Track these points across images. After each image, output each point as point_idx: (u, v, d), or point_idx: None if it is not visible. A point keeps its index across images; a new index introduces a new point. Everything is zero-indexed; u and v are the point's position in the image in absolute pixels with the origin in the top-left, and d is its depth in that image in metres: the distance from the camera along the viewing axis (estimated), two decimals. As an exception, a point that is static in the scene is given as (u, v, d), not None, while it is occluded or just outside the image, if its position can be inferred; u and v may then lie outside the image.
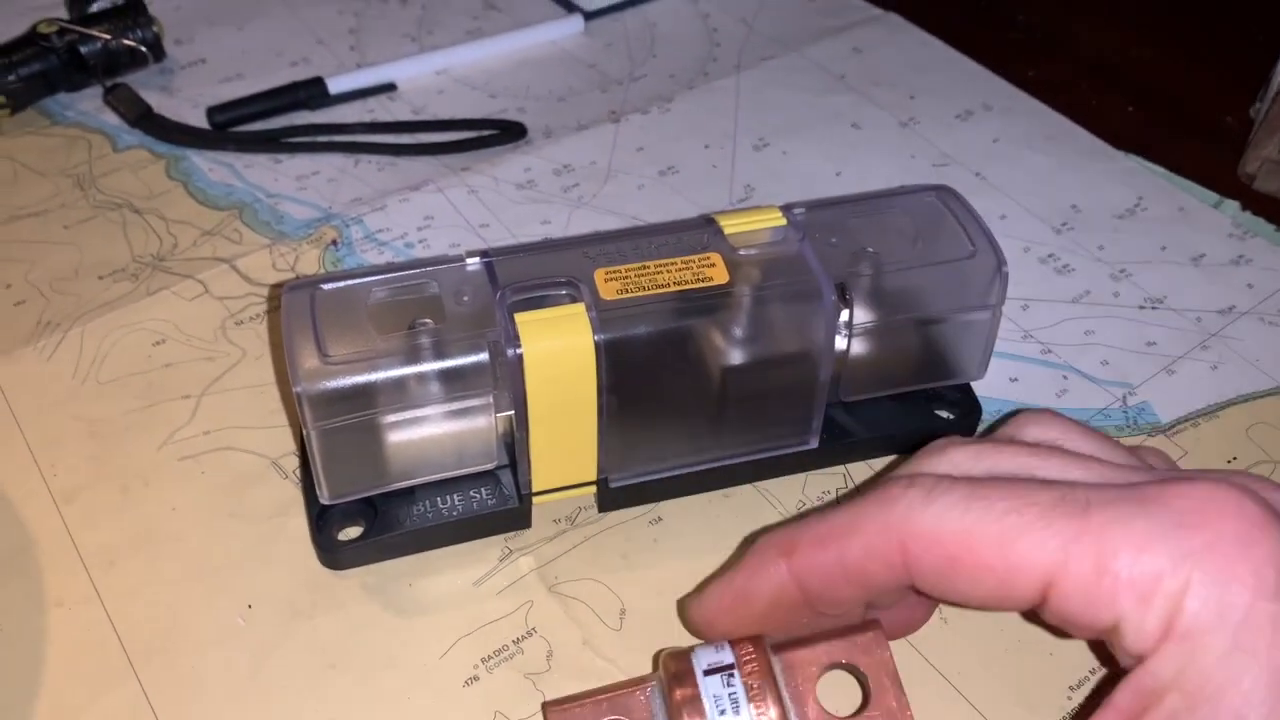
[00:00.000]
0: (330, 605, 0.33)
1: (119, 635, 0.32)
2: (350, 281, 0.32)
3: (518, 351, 0.30)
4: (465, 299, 0.31)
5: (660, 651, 0.29)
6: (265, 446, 0.37)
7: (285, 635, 0.32)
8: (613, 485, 0.34)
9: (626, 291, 0.31)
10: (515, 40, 0.55)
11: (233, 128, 0.49)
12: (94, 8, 0.51)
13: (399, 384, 0.30)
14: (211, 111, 0.50)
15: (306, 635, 0.32)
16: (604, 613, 0.33)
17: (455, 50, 0.54)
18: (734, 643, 0.28)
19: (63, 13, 0.51)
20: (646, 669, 0.31)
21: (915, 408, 0.37)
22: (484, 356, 0.30)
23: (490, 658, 0.32)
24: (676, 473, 0.34)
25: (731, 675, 0.27)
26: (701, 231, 0.33)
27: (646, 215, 0.45)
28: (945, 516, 0.25)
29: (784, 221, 0.33)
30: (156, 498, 0.35)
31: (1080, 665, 0.32)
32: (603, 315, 0.30)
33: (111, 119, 0.50)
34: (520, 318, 0.30)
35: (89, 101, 0.50)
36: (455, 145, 0.49)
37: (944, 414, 0.37)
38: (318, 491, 0.32)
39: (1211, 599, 0.22)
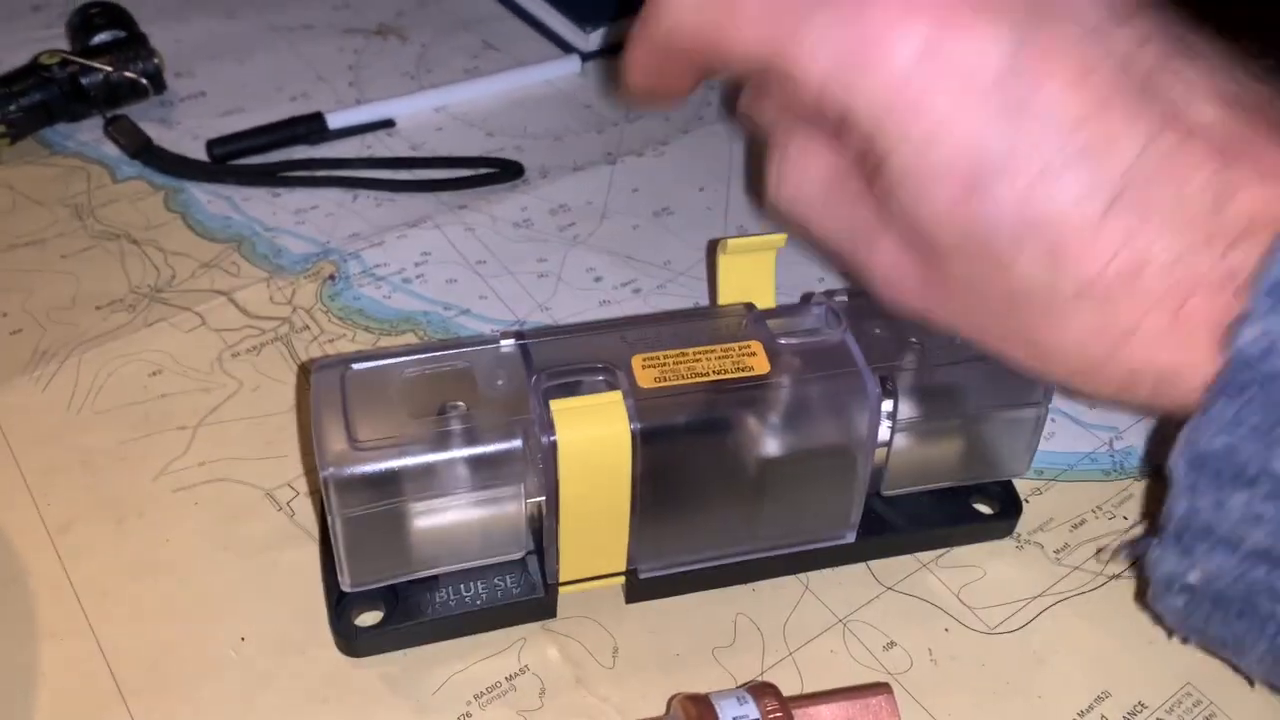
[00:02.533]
0: (323, 640, 0.33)
1: (111, 668, 0.32)
2: (382, 362, 0.31)
3: (552, 439, 0.29)
4: (500, 382, 0.31)
5: (675, 696, 0.29)
6: (261, 479, 0.37)
7: (278, 669, 0.32)
8: (642, 576, 0.33)
9: (665, 380, 0.30)
10: (513, 79, 0.55)
11: (232, 161, 0.50)
12: (96, 40, 0.51)
13: (428, 470, 0.29)
14: (211, 144, 0.50)
15: (299, 669, 0.32)
16: (597, 650, 0.33)
17: (454, 88, 0.55)
18: (756, 696, 0.28)
19: (65, 44, 0.52)
20: (640, 707, 0.31)
21: (955, 501, 0.36)
22: (517, 443, 0.29)
23: (482, 694, 0.32)
24: (708, 564, 0.33)
25: None
26: (741, 318, 0.33)
27: (642, 255, 0.46)
28: (674, 23, 0.29)
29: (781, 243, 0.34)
30: (151, 529, 0.35)
31: (1069, 707, 0.32)
32: (640, 404, 0.30)
33: (111, 150, 0.50)
34: (556, 405, 0.29)
35: (89, 132, 0.51)
36: (453, 183, 0.49)
37: (984, 508, 0.36)
38: (339, 577, 0.31)
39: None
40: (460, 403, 0.30)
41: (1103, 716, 0.32)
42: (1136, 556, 0.35)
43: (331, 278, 0.44)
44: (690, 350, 0.31)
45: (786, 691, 0.29)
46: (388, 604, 0.32)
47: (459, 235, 0.46)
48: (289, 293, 0.43)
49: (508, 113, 0.54)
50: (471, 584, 0.33)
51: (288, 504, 0.36)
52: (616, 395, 0.30)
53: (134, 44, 0.51)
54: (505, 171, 0.50)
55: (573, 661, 0.32)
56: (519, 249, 0.46)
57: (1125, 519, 0.37)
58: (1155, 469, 0.38)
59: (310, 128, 0.51)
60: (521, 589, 0.33)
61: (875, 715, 0.29)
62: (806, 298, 0.35)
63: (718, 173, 0.50)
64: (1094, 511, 0.37)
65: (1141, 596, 0.34)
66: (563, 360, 0.31)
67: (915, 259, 0.27)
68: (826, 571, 0.35)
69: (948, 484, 0.36)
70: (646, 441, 0.30)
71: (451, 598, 0.32)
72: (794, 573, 0.35)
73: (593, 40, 0.57)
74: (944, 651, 0.33)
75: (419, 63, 0.57)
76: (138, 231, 0.46)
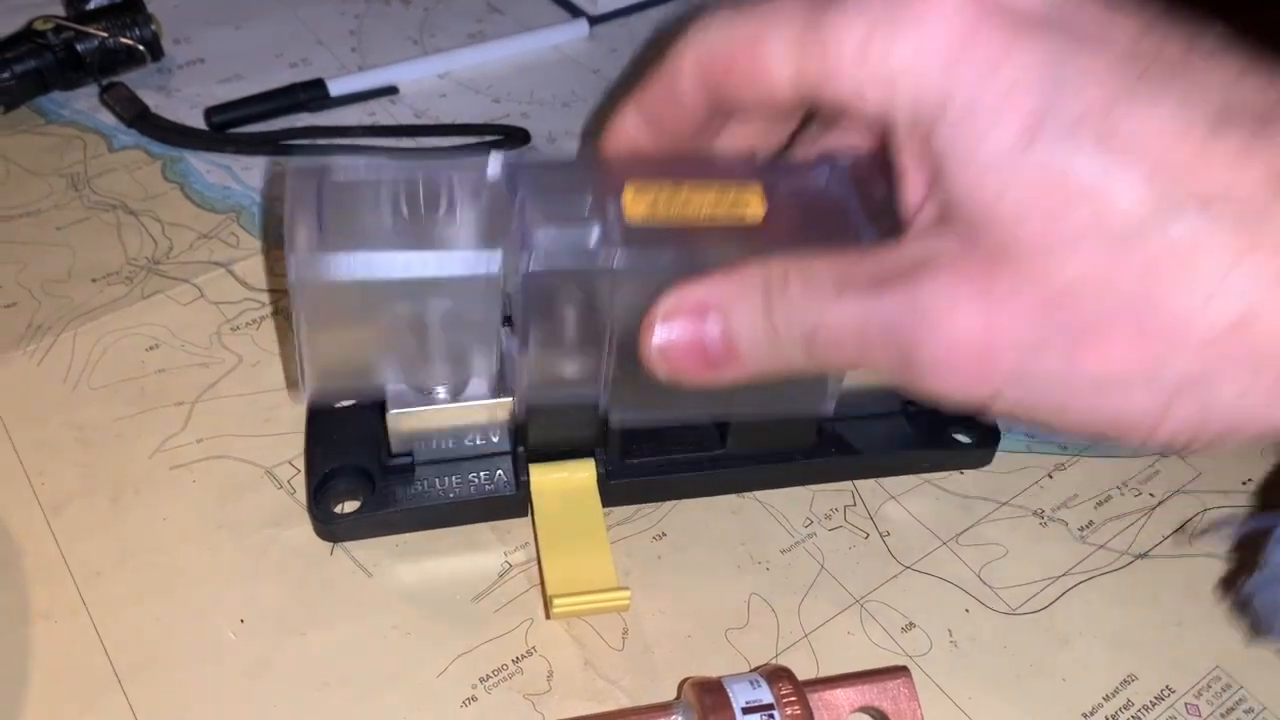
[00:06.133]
0: (324, 620, 0.32)
1: (106, 649, 0.31)
2: (361, 174, 0.29)
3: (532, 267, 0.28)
4: (482, 201, 0.29)
5: (685, 680, 0.29)
6: (260, 456, 0.36)
7: (278, 651, 0.31)
8: (613, 481, 0.34)
9: (655, 212, 0.28)
10: (519, 44, 0.54)
11: (231, 129, 0.48)
12: (91, 5, 0.50)
13: (399, 271, 0.28)
14: (210, 112, 0.49)
15: (300, 651, 0.31)
16: (606, 632, 0.32)
17: (458, 53, 0.53)
18: (770, 680, 0.27)
19: (60, 10, 0.51)
20: (650, 690, 0.30)
21: (933, 429, 0.36)
22: (497, 256, 0.28)
23: (489, 677, 0.31)
24: (684, 420, 0.34)
25: (771, 715, 0.27)
26: (749, 161, 0.31)
27: (651, 224, 0.45)
28: (708, 39, 0.27)
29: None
30: (147, 507, 0.34)
31: (1094, 690, 0.31)
32: (626, 238, 0.28)
33: (107, 118, 0.49)
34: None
35: (85, 100, 0.49)
36: (458, 150, 0.48)
37: (962, 438, 0.36)
38: (300, 389, 0.30)
39: (908, 41, 0.24)
40: (438, 213, 0.29)
41: (1129, 700, 0.31)
42: (1242, 538, 0.34)
43: (333, 248, 0.43)
44: (685, 187, 0.29)
45: (801, 675, 0.28)
46: (365, 493, 0.33)
47: (464, 204, 0.45)
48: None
49: (514, 78, 0.52)
50: (447, 478, 0.33)
51: (288, 482, 0.35)
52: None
53: (131, 9, 0.50)
54: (511, 138, 0.48)
55: (581, 643, 0.32)
56: (525, 218, 0.45)
57: (1152, 495, 0.36)
58: None
59: (311, 95, 0.50)
60: (494, 485, 0.33)
61: (893, 699, 0.29)
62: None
63: (730, 139, 0.49)
64: (1120, 488, 0.36)
65: (1230, 583, 0.33)
66: (552, 186, 0.29)
67: (974, 263, 0.24)
68: (843, 549, 0.34)
69: None
70: (627, 281, 0.28)
71: (428, 488, 0.33)
72: (770, 485, 0.35)
73: (601, 4, 0.56)
74: (964, 633, 0.32)
75: (423, 27, 0.55)
76: (135, 202, 0.45)
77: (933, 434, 0.36)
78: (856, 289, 0.25)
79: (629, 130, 0.30)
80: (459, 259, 0.28)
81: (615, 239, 0.28)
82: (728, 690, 0.27)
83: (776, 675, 0.28)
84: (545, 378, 0.31)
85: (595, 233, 0.28)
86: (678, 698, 0.29)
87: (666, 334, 0.27)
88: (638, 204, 0.28)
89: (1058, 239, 0.22)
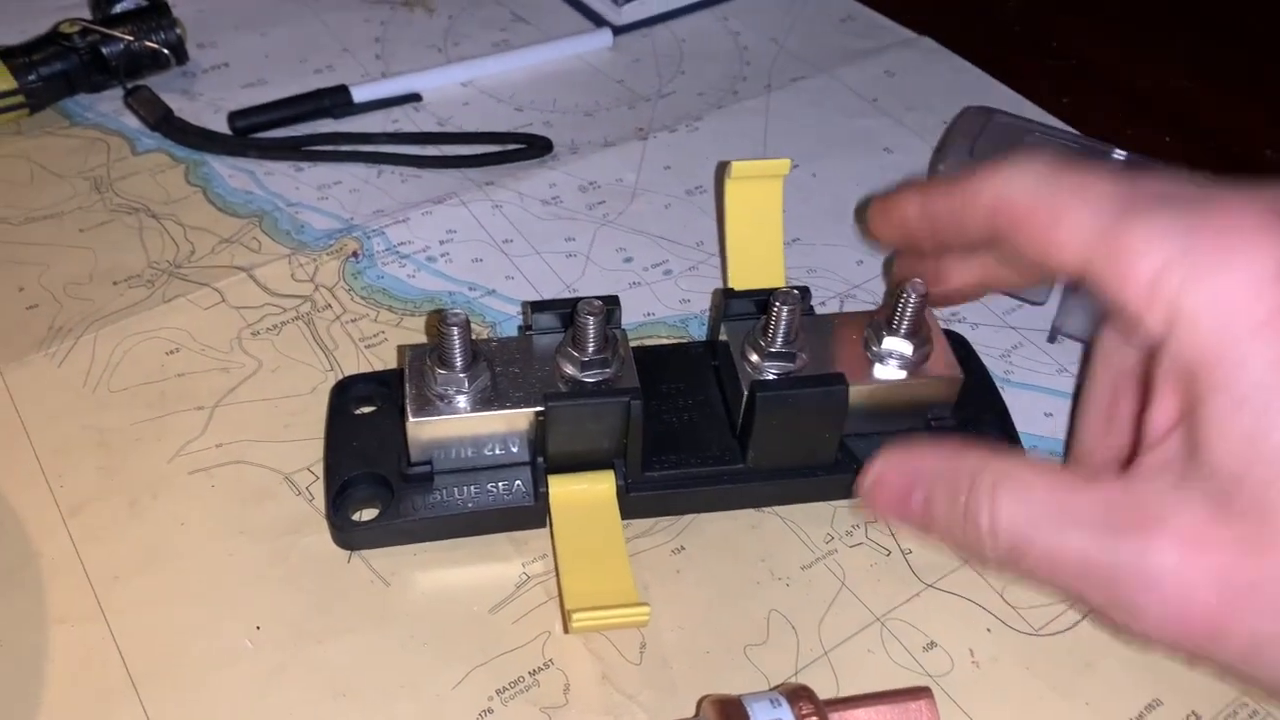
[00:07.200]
0: (341, 629, 0.32)
1: (122, 654, 0.31)
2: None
3: None
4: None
5: (704, 697, 0.28)
6: (278, 461, 0.36)
7: (293, 659, 0.31)
8: (632, 494, 0.34)
9: None
10: (543, 53, 0.54)
11: (254, 134, 0.49)
12: (117, 8, 0.50)
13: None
14: (233, 116, 0.49)
15: (316, 660, 0.31)
16: (624, 646, 0.32)
17: (482, 62, 0.53)
18: (790, 699, 0.27)
19: (86, 13, 0.51)
20: (668, 706, 0.30)
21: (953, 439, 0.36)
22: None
23: (505, 689, 0.30)
24: (702, 470, 0.34)
25: None
26: None
27: (673, 235, 0.44)
28: (1021, 185, 0.28)
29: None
30: (165, 512, 0.34)
31: (1118, 715, 0.31)
32: None
33: (131, 121, 0.49)
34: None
35: (109, 103, 0.50)
36: (480, 159, 0.48)
37: None
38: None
39: (1210, 285, 0.24)
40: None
41: (1154, 725, 0.30)
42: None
43: (355, 255, 0.43)
44: None
45: (821, 693, 0.28)
46: (383, 502, 0.33)
47: (485, 212, 0.45)
48: (311, 270, 0.42)
49: (537, 87, 0.52)
50: (465, 488, 0.34)
51: (306, 488, 0.35)
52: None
53: (156, 13, 0.50)
54: (534, 147, 0.48)
55: (598, 657, 0.31)
56: (547, 227, 0.45)
57: (1178, 517, 0.35)
58: None
59: (335, 101, 0.50)
60: (513, 495, 0.33)
61: (915, 719, 0.28)
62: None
63: (753, 149, 0.49)
64: (1145, 509, 0.36)
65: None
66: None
67: (1220, 545, 0.23)
68: (864, 566, 0.34)
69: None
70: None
71: (446, 499, 0.33)
72: (787, 500, 0.35)
73: (625, 14, 0.56)
74: (986, 653, 0.32)
75: (446, 35, 0.56)
76: (157, 205, 0.45)
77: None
78: (1084, 527, 0.25)
79: (905, 211, 0.33)
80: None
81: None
82: (747, 708, 0.27)
83: (797, 694, 0.27)
84: None
85: None
86: (696, 714, 0.29)
87: (880, 477, 0.29)
88: None
89: None
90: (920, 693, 0.29)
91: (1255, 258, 0.23)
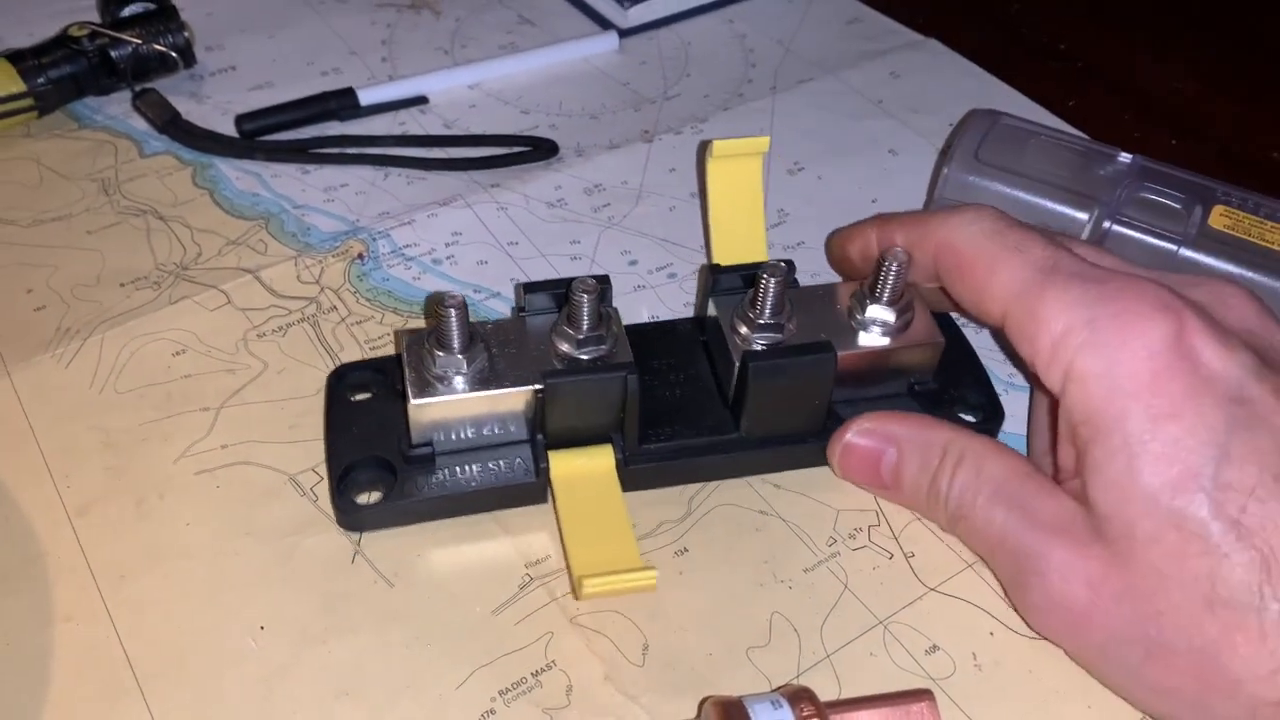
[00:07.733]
0: (344, 629, 0.32)
1: (127, 654, 0.31)
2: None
3: None
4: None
5: (706, 698, 0.28)
6: (284, 462, 0.36)
7: (297, 660, 0.31)
8: (630, 466, 0.34)
9: None
10: (549, 56, 0.54)
11: (261, 136, 0.49)
12: (126, 12, 0.50)
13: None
14: (240, 119, 0.49)
15: (319, 660, 0.31)
16: (626, 647, 0.32)
17: (488, 64, 0.53)
18: (792, 701, 0.27)
19: (95, 16, 0.51)
20: (670, 707, 0.30)
21: (939, 410, 0.36)
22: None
23: (508, 690, 0.31)
24: (698, 440, 0.35)
25: None
26: None
27: (678, 238, 0.45)
28: (967, 235, 0.32)
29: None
30: (171, 512, 0.34)
31: (1120, 717, 0.30)
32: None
33: (139, 124, 0.49)
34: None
35: (117, 106, 0.50)
36: (486, 161, 0.48)
37: (967, 417, 0.36)
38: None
39: (1103, 353, 0.28)
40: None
41: (1157, 729, 0.30)
42: None
43: (360, 257, 0.43)
44: None
45: (823, 696, 0.28)
46: (386, 485, 0.34)
47: (491, 215, 0.45)
48: (317, 272, 0.42)
49: (543, 90, 0.52)
50: (467, 466, 0.34)
51: (311, 489, 0.35)
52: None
53: (164, 16, 0.50)
54: (539, 150, 0.48)
55: (601, 658, 0.31)
56: (552, 229, 0.45)
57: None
58: None
59: (341, 103, 0.50)
60: (514, 473, 0.34)
61: None
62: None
63: (758, 153, 0.49)
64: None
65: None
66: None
67: (1096, 558, 0.28)
68: (866, 569, 0.34)
69: None
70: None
71: (448, 478, 0.34)
72: (780, 467, 0.36)
73: (632, 16, 0.56)
74: (989, 656, 0.32)
75: (453, 38, 0.56)
76: (164, 207, 0.45)
77: (938, 413, 0.36)
78: (1011, 509, 0.30)
79: (866, 241, 0.37)
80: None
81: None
82: (749, 710, 0.27)
83: (798, 696, 0.27)
84: None
85: None
86: (698, 716, 0.29)
87: (855, 439, 0.34)
88: None
89: (1172, 575, 0.27)
90: (922, 695, 0.29)
91: (1147, 333, 0.28)
